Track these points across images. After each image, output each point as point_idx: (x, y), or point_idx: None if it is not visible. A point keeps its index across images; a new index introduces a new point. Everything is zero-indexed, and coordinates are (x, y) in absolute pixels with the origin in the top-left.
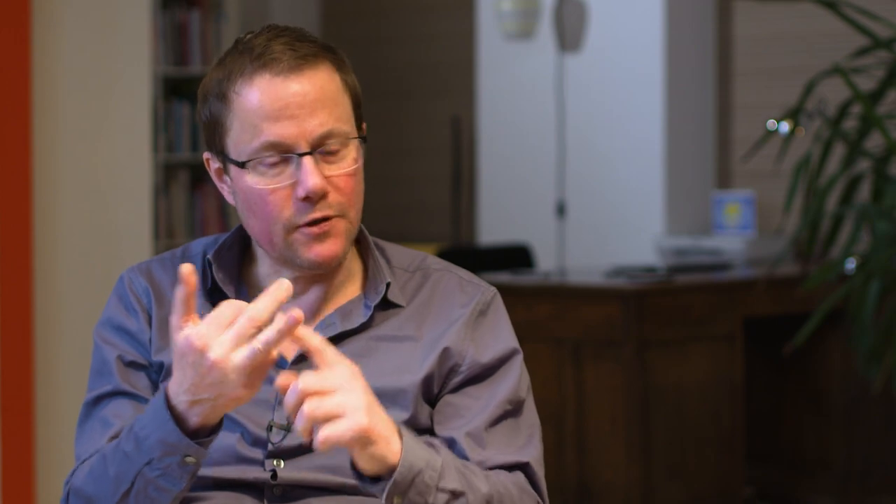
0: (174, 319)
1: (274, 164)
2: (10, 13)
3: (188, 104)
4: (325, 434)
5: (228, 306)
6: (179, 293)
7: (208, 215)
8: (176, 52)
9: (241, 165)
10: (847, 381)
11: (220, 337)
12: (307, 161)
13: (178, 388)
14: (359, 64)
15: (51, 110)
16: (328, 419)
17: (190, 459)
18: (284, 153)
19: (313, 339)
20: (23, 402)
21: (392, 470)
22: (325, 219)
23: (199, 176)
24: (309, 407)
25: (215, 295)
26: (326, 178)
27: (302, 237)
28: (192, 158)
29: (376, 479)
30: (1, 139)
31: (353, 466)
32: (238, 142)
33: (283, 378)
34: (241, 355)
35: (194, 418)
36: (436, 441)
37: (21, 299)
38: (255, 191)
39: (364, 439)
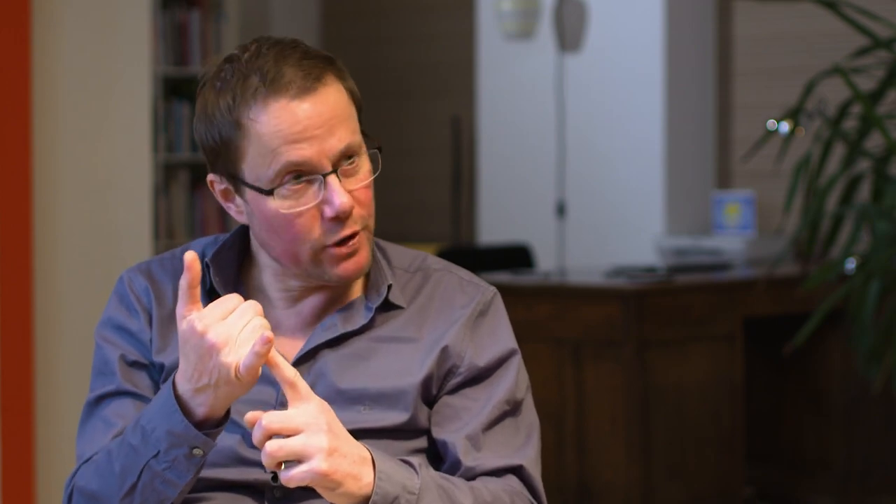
0: (179, 308)
1: (296, 186)
2: (10, 13)
3: (188, 104)
4: (287, 476)
5: (232, 299)
6: (183, 281)
7: (208, 215)
8: (176, 52)
9: (267, 193)
10: (847, 381)
11: (220, 322)
12: (333, 180)
13: (182, 376)
14: (359, 64)
15: (51, 110)
16: (289, 459)
17: (197, 451)
18: (308, 174)
19: (288, 370)
20: (23, 402)
21: (366, 500)
22: (353, 235)
23: (199, 176)
24: (271, 447)
25: (213, 297)
26: (348, 192)
27: (330, 257)
28: (192, 158)
29: None
30: (1, 139)
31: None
32: (256, 166)
33: (250, 414)
34: (241, 355)
35: (199, 408)
36: (415, 460)
37: (21, 299)
38: (281, 215)
39: (326, 483)
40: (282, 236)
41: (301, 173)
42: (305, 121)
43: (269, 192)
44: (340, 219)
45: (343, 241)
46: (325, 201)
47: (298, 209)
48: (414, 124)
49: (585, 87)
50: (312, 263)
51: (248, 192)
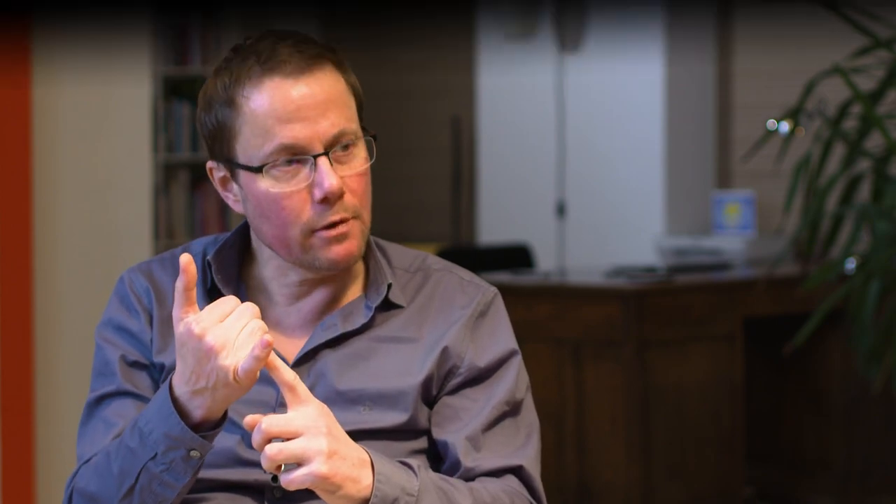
0: (175, 311)
1: (287, 168)
2: (11, 13)
3: (188, 104)
4: (287, 479)
5: (229, 301)
6: (179, 284)
7: (208, 215)
8: (176, 52)
9: (257, 170)
10: (847, 381)
11: (218, 325)
12: (323, 162)
13: (179, 379)
14: (359, 64)
15: (51, 110)
16: (289, 462)
17: (195, 453)
18: (299, 155)
19: (287, 373)
20: (23, 402)
21: (365, 503)
22: (342, 221)
23: (199, 176)
24: (271, 451)
25: (215, 295)
26: (340, 178)
27: (319, 241)
28: (192, 158)
29: None
30: (1, 139)
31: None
32: (249, 147)
33: (250, 417)
34: (239, 359)
35: (197, 411)
36: (414, 461)
37: (21, 299)
38: (270, 195)
39: (326, 485)
40: (272, 219)
41: (292, 154)
42: (299, 100)
43: (259, 170)
44: (329, 201)
45: (332, 225)
46: (315, 183)
47: (287, 190)
48: (414, 124)
49: (585, 87)
50: (302, 249)
51: (242, 176)
